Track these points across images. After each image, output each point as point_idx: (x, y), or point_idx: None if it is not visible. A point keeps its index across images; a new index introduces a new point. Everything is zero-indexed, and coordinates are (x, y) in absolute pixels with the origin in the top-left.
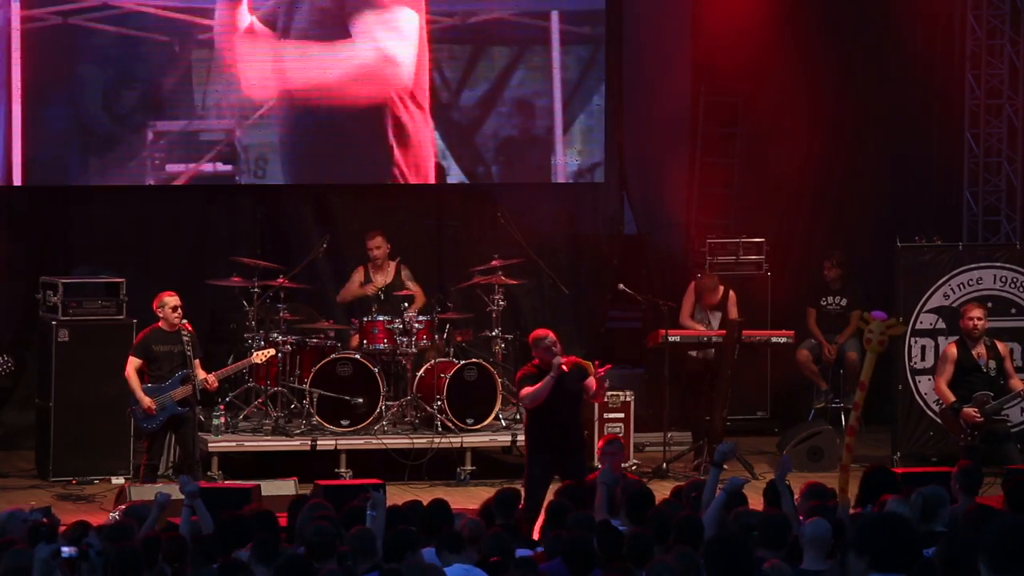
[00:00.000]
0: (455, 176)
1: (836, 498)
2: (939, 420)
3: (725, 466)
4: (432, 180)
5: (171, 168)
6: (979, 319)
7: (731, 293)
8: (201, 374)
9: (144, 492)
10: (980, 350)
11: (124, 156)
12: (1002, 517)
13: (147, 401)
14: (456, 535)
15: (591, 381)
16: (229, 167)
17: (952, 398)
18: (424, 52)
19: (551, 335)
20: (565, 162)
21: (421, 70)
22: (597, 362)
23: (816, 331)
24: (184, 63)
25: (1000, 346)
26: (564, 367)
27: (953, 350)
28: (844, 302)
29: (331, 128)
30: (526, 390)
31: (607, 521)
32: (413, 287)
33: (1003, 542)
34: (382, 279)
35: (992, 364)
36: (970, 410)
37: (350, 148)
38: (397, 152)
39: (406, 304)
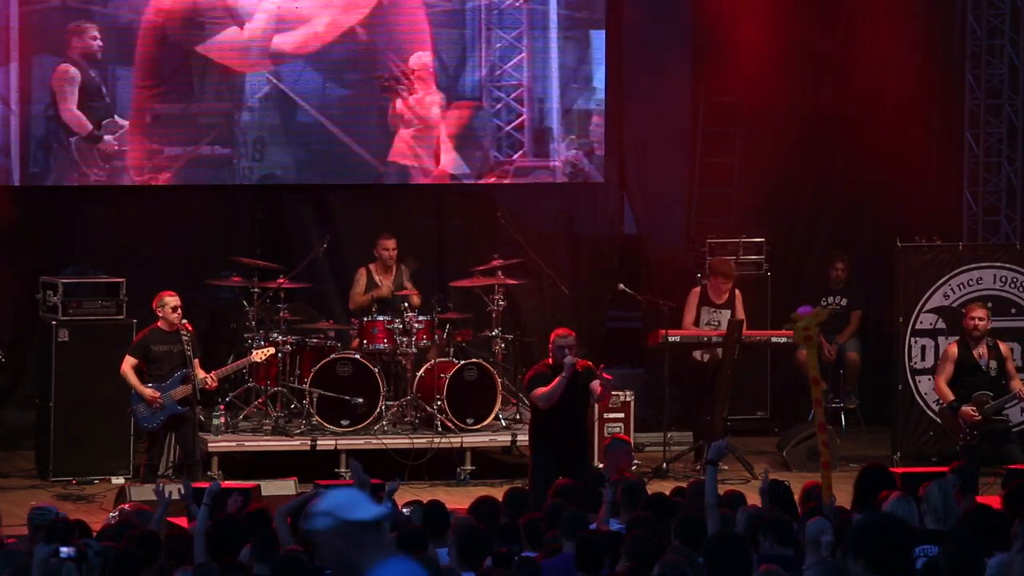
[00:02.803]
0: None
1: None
2: (939, 419)
3: (724, 466)
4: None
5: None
6: (980, 319)
7: (737, 292)
8: (201, 373)
9: (144, 492)
10: (982, 350)
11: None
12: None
13: (149, 392)
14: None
15: (596, 384)
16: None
17: (951, 397)
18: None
19: (572, 336)
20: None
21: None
22: (603, 365)
23: None
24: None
25: (1002, 347)
26: (578, 367)
27: (954, 349)
28: (844, 302)
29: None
30: (540, 391)
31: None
32: (411, 288)
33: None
34: (389, 280)
35: (993, 364)
36: (968, 409)
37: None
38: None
39: (406, 304)
